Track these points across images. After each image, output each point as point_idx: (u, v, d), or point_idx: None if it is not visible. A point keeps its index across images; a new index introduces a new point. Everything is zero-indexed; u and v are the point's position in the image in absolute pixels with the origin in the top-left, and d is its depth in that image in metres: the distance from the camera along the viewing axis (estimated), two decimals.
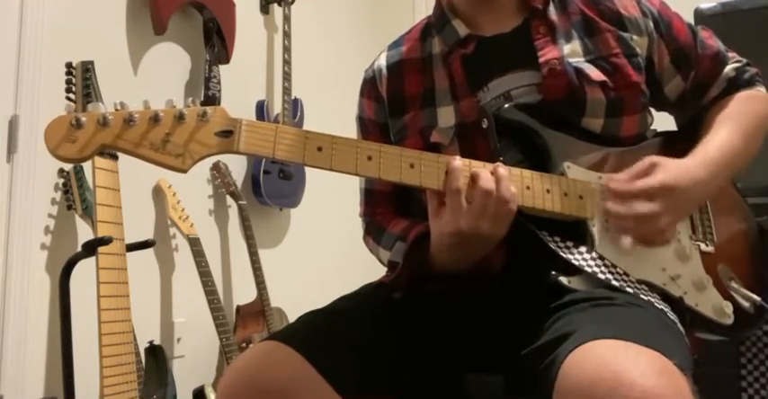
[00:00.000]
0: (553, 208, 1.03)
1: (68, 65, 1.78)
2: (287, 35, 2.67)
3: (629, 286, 1.00)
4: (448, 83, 1.15)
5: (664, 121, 1.26)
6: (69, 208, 1.86)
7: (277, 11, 2.81)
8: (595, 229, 1.04)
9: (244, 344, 2.26)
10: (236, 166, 2.54)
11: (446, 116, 1.14)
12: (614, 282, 1.00)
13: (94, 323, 1.59)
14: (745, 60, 1.23)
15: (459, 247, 1.00)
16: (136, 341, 1.77)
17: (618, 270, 1.02)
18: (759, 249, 1.22)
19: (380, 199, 1.23)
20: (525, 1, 1.17)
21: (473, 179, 0.97)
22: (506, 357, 0.96)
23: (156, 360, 1.96)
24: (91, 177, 1.73)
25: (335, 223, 2.79)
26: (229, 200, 2.51)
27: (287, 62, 2.65)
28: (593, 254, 1.03)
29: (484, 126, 1.08)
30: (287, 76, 2.64)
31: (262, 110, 2.64)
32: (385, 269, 1.16)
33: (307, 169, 2.73)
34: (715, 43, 1.21)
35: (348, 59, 3.02)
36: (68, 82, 1.76)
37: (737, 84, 1.20)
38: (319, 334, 1.00)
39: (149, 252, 2.14)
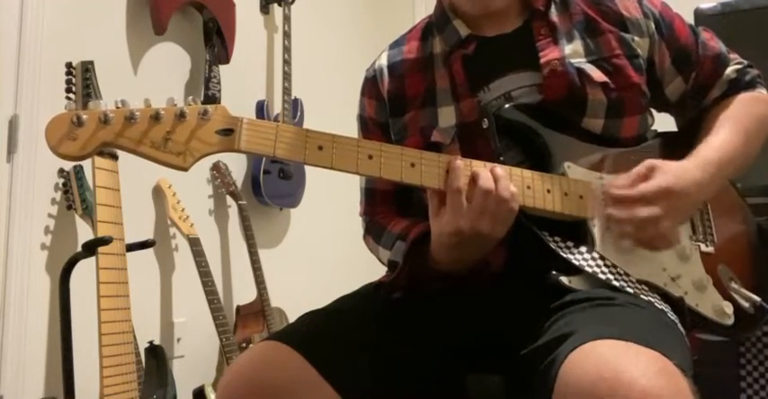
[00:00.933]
0: (554, 207, 1.03)
1: (68, 65, 1.78)
2: (287, 35, 2.67)
3: (629, 286, 1.00)
4: (449, 83, 1.15)
5: (664, 122, 1.26)
6: (69, 208, 1.86)
7: (277, 11, 2.81)
8: (596, 229, 1.04)
9: (244, 344, 2.26)
10: (236, 166, 2.53)
11: (447, 116, 1.14)
12: (614, 282, 1.00)
13: (94, 324, 1.59)
14: (746, 62, 1.23)
15: (460, 247, 1.00)
16: (136, 341, 1.77)
17: (618, 270, 1.02)
18: (759, 249, 1.22)
19: (381, 198, 1.23)
20: (526, 2, 1.17)
21: (473, 178, 0.97)
22: (506, 357, 0.97)
23: (156, 360, 1.96)
24: (91, 177, 1.73)
25: (335, 223, 2.79)
26: (229, 200, 2.50)
27: (287, 62, 2.65)
28: (594, 254, 1.03)
29: (484, 126, 1.08)
30: (287, 76, 2.64)
31: (262, 110, 2.64)
32: (385, 268, 1.16)
33: (307, 169, 2.73)
34: (716, 44, 1.21)
35: (348, 59, 3.02)
36: (68, 82, 1.76)
37: (739, 85, 1.20)
38: (319, 334, 1.01)
39: (149, 252, 2.14)
